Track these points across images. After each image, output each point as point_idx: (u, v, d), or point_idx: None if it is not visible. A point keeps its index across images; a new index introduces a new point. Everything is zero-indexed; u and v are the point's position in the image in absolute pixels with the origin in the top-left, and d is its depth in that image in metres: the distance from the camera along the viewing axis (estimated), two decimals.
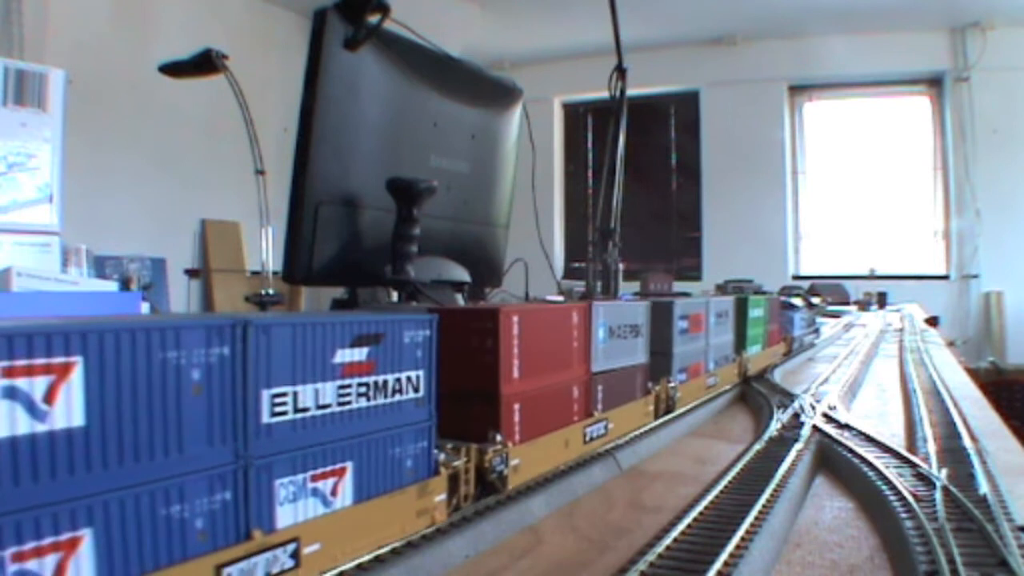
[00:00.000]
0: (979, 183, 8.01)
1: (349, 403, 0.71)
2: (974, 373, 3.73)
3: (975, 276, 8.19)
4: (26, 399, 0.48)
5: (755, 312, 2.09)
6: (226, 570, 0.58)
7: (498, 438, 0.91)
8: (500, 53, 8.96)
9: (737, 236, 8.81)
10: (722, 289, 4.88)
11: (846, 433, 1.32)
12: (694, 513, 0.91)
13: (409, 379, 0.78)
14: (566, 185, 10.09)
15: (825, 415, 1.48)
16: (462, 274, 1.69)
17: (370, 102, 1.44)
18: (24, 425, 0.48)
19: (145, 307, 1.48)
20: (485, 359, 0.92)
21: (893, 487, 0.98)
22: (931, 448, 1.21)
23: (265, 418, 0.63)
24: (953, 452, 1.18)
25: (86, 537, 0.51)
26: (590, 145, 9.89)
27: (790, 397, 1.68)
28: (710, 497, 0.98)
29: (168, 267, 6.40)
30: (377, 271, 1.46)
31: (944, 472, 1.03)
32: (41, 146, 1.64)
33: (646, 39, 7.95)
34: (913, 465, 1.09)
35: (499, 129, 1.83)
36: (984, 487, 0.96)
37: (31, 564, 0.48)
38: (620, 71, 2.16)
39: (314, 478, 0.67)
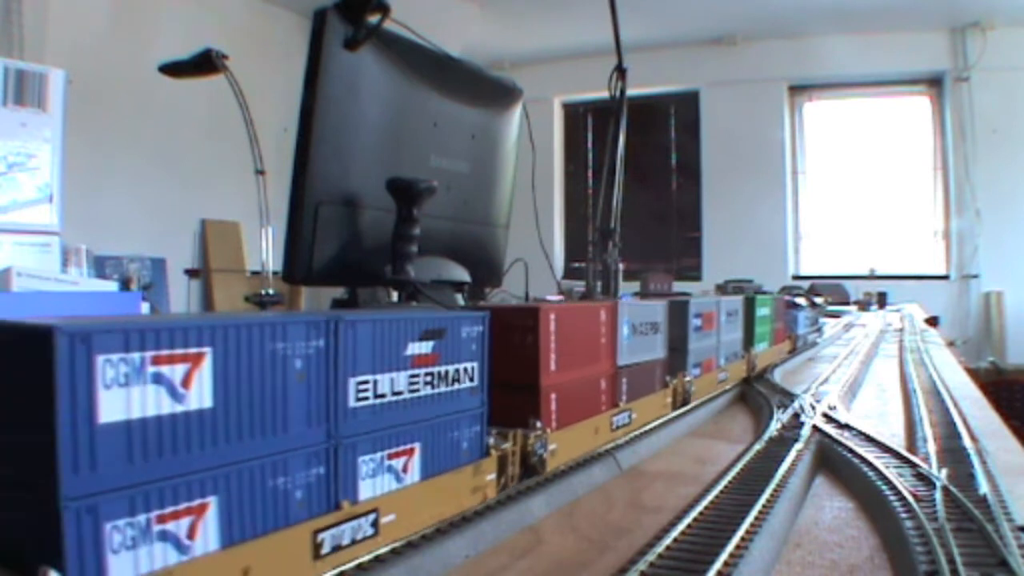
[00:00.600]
0: (979, 183, 8.01)
1: (418, 390, 0.79)
2: (974, 373, 3.73)
3: (975, 276, 8.18)
4: (168, 384, 0.56)
5: (762, 311, 2.17)
6: (320, 535, 0.67)
7: (538, 425, 0.98)
8: (500, 53, 8.96)
9: (737, 236, 8.81)
10: (722, 289, 4.88)
11: (846, 433, 1.32)
12: (694, 513, 0.91)
13: (466, 370, 0.87)
14: (566, 185, 10.09)
15: (825, 415, 1.47)
16: (462, 274, 1.69)
17: (370, 102, 1.44)
18: (167, 406, 0.56)
19: (145, 307, 1.48)
20: (527, 353, 1.00)
21: (893, 487, 0.98)
22: (931, 448, 1.21)
23: (351, 403, 0.72)
24: (953, 452, 1.18)
25: (212, 503, 0.59)
26: (590, 145, 9.89)
27: (790, 397, 1.68)
28: (710, 497, 0.98)
29: (168, 267, 6.39)
30: (377, 271, 1.46)
31: (944, 472, 1.03)
32: (41, 146, 1.64)
33: (646, 39, 7.95)
34: (913, 465, 1.09)
35: (499, 129, 1.82)
36: (984, 487, 0.96)
37: (170, 525, 0.56)
38: (620, 71, 2.16)
39: (389, 456, 0.76)
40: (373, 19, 1.36)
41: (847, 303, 6.21)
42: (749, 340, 2.06)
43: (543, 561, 0.84)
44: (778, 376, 2.11)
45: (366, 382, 0.73)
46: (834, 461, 1.20)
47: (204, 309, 6.45)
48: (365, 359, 0.73)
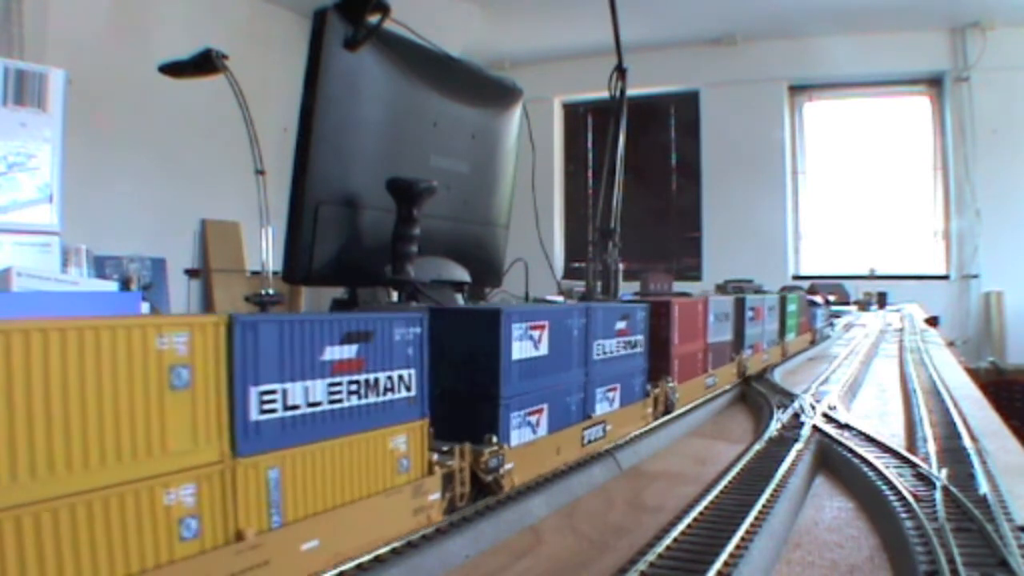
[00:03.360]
0: (979, 183, 8.00)
1: (620, 351, 1.26)
2: (974, 373, 3.73)
3: (975, 276, 8.18)
4: (534, 340, 1.00)
5: (791, 307, 2.70)
6: (583, 432, 1.14)
7: (669, 379, 1.46)
8: (500, 53, 8.96)
9: (737, 236, 8.80)
10: (722, 289, 4.87)
11: (846, 433, 1.32)
12: (694, 513, 0.91)
13: (638, 340, 1.34)
14: (566, 185, 10.08)
15: (825, 415, 1.47)
16: (462, 274, 1.70)
17: (370, 102, 1.45)
18: (532, 352, 1.01)
19: (145, 307, 1.47)
20: (662, 332, 1.46)
21: (893, 487, 0.98)
22: (931, 448, 1.21)
23: (594, 356, 1.17)
24: (953, 452, 1.18)
25: (545, 408, 1.04)
26: (590, 145, 9.88)
27: (790, 397, 1.68)
28: (710, 497, 0.98)
29: (168, 267, 6.38)
30: (377, 271, 1.46)
31: (944, 472, 1.03)
32: (41, 146, 1.63)
33: (646, 39, 7.95)
34: (913, 465, 1.09)
35: (499, 129, 1.83)
36: (984, 487, 0.96)
37: (531, 418, 1.00)
38: (620, 71, 2.16)
39: (607, 391, 1.23)
40: (373, 19, 1.36)
41: (847, 303, 6.20)
42: (783, 330, 2.52)
43: (543, 561, 0.84)
44: (778, 376, 2.11)
45: (601, 344, 1.18)
46: (834, 461, 1.20)
47: (204, 309, 6.45)
48: (600, 330, 1.18)
